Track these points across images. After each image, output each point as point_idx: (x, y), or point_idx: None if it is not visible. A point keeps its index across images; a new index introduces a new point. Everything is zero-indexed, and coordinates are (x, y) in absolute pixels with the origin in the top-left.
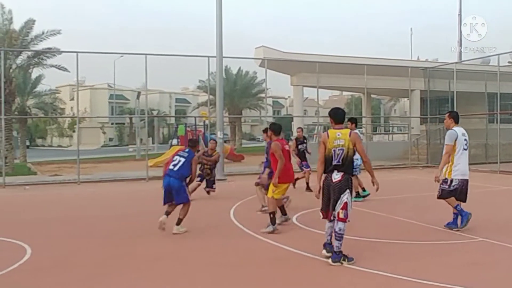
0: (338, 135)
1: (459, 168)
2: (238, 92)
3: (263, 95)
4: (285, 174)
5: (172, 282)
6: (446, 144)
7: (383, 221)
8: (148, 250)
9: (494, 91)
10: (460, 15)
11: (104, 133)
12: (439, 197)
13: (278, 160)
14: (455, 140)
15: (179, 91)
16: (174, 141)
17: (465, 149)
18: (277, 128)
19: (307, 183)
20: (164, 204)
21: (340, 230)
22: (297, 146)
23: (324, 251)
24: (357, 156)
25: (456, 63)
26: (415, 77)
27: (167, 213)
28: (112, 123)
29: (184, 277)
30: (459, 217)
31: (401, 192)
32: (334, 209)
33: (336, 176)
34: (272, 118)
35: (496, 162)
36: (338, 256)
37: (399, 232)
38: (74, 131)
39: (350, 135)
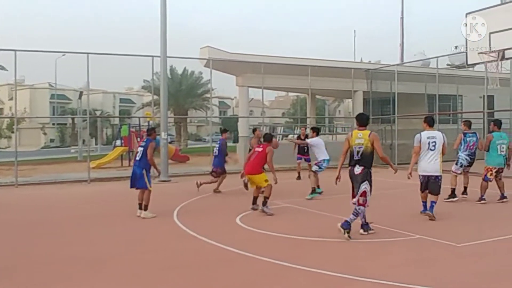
0: (359, 135)
1: (420, 165)
2: (184, 92)
3: (209, 95)
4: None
5: (118, 285)
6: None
7: (327, 220)
8: (92, 253)
9: (434, 93)
10: (402, 18)
11: (44, 134)
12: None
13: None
14: (420, 142)
15: (123, 91)
16: (118, 142)
17: (432, 149)
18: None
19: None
20: (131, 187)
21: (359, 209)
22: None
23: (361, 230)
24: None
25: (397, 65)
26: (358, 78)
27: (139, 205)
28: (53, 124)
29: (130, 280)
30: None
31: (344, 191)
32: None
33: (357, 169)
34: (218, 118)
35: None
36: (348, 226)
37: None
38: (12, 132)
39: (369, 136)
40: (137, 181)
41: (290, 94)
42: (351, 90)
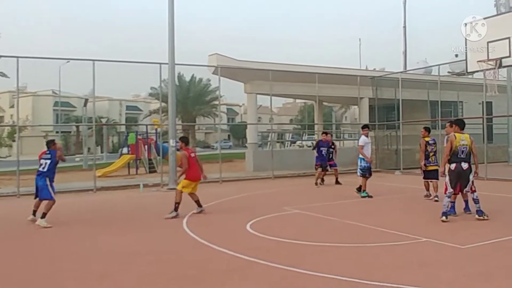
0: (462, 137)
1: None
2: (192, 99)
3: (217, 102)
4: (191, 175)
5: None
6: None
7: (334, 225)
8: (99, 266)
9: (436, 99)
10: (405, 27)
11: None
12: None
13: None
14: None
15: (130, 98)
16: (125, 150)
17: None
18: (184, 139)
19: (336, 178)
20: (35, 198)
21: (476, 196)
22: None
23: (444, 217)
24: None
25: (401, 72)
26: (363, 85)
27: (33, 212)
28: (57, 132)
29: None
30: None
31: (353, 196)
32: (465, 187)
33: (465, 165)
34: (226, 125)
35: (438, 165)
36: (481, 211)
37: (350, 236)
38: (14, 141)
39: (470, 138)
40: (41, 192)
41: (298, 101)
42: (357, 97)
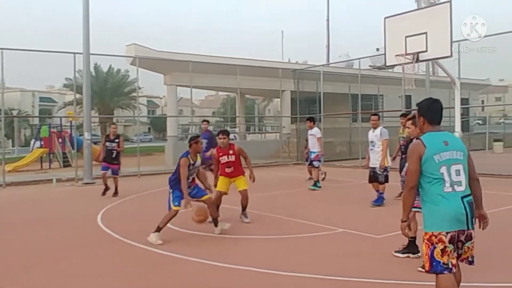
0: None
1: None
2: (109, 91)
3: (136, 94)
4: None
5: None
6: (385, 139)
7: (255, 218)
8: (11, 261)
9: (357, 92)
10: (328, 20)
11: None
12: (385, 182)
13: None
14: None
15: (43, 89)
16: (37, 144)
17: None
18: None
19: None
20: None
21: None
22: (104, 144)
23: None
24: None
25: (322, 65)
26: (285, 78)
27: None
28: None
29: None
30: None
31: (273, 189)
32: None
33: None
34: (146, 118)
35: (358, 158)
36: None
37: (269, 228)
38: None
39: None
40: None
41: (220, 93)
42: (279, 89)
